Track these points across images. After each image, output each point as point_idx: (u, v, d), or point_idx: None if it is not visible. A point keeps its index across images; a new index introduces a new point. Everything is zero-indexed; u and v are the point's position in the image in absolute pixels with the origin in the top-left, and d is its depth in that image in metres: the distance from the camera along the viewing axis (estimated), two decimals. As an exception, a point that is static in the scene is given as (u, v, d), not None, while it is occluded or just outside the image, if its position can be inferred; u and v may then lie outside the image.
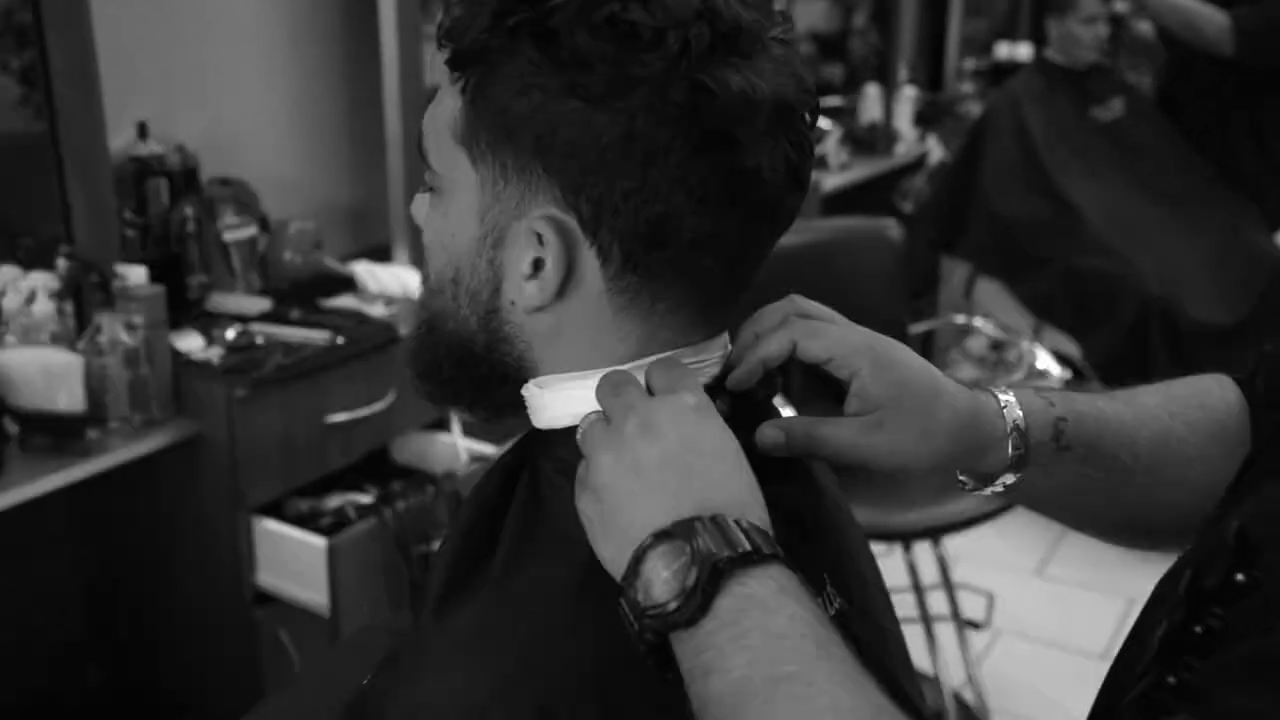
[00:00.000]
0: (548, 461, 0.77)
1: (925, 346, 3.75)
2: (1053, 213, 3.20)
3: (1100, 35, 3.36)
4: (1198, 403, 0.87)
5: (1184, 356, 2.99)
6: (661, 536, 0.63)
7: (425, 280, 0.81)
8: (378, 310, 2.08)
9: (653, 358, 0.75)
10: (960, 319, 3.19)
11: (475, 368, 0.78)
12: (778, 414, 0.84)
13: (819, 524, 0.81)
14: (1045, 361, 2.65)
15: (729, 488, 0.66)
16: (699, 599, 0.61)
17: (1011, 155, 3.29)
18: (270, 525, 1.88)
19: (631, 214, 0.69)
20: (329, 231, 2.28)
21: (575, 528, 0.70)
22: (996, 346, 3.67)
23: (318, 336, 1.93)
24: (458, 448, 2.13)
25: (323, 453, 1.94)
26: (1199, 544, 0.73)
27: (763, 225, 0.73)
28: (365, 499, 1.97)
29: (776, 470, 0.79)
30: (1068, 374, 2.75)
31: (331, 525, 1.90)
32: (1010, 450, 0.80)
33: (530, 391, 0.78)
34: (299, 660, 1.87)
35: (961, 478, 0.83)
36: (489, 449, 2.14)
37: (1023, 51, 4.72)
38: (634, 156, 0.67)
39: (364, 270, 2.16)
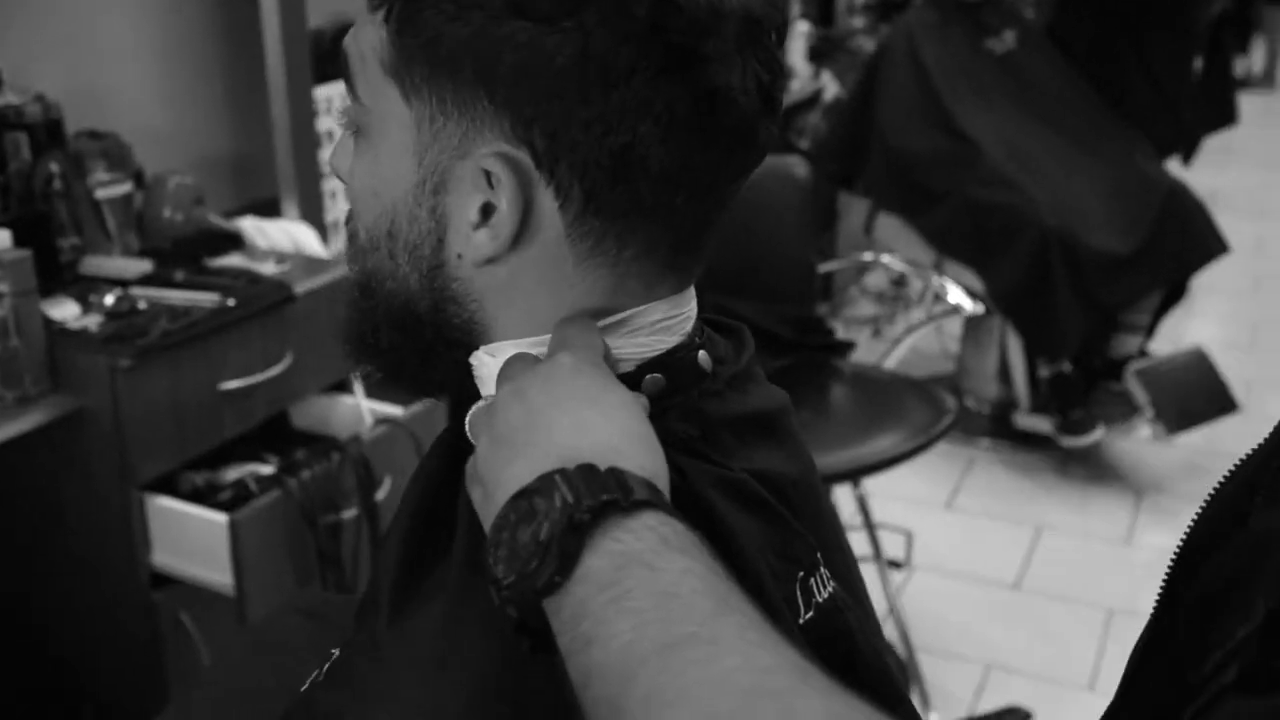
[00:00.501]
0: None
1: (826, 285, 3.73)
2: (950, 146, 3.18)
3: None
4: None
5: (1084, 286, 3.01)
6: (520, 498, 0.57)
7: (354, 237, 0.72)
8: (269, 268, 1.95)
9: (624, 313, 0.68)
10: (867, 256, 3.16)
11: (419, 334, 0.70)
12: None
13: (809, 496, 0.75)
14: (956, 295, 2.63)
15: (597, 434, 0.59)
16: (555, 558, 0.54)
17: (907, 90, 3.25)
18: (164, 503, 1.75)
19: (592, 146, 0.61)
20: (211, 186, 2.13)
21: None
22: (898, 282, 3.67)
23: (205, 299, 1.80)
24: (361, 410, 2.02)
25: (217, 422, 1.82)
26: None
27: (736, 154, 0.66)
28: (267, 469, 1.85)
29: (762, 436, 0.73)
30: (979, 307, 2.74)
31: (232, 499, 1.79)
32: None
33: (480, 360, 0.70)
34: (204, 644, 1.76)
35: None
36: (394, 410, 2.04)
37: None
38: (592, 80, 0.60)
39: (251, 226, 2.03)
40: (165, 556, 1.77)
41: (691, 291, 0.72)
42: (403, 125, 0.65)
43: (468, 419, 0.66)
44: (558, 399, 0.60)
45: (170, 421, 1.75)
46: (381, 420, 1.99)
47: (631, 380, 0.67)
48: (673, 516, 0.56)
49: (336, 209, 2.24)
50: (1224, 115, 5.26)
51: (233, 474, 1.85)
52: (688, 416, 0.68)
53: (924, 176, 3.20)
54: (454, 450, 0.72)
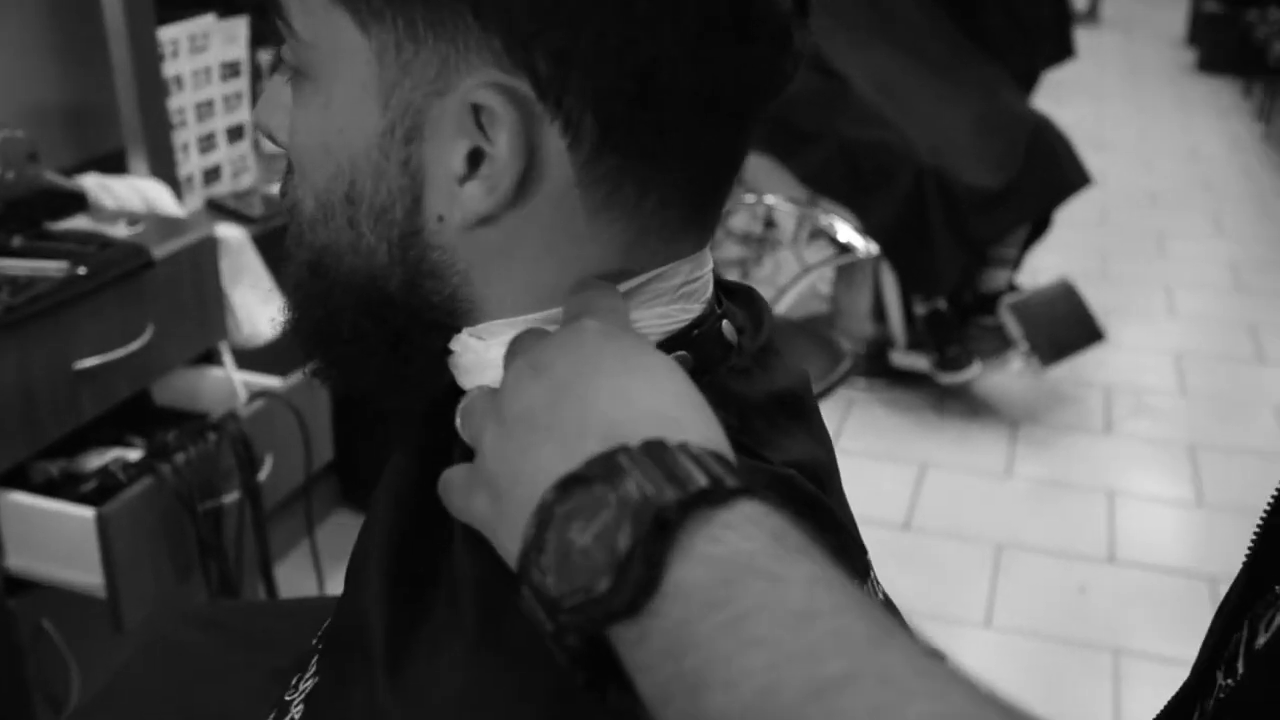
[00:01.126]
0: None
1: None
2: (822, 85, 3.13)
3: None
4: None
5: (959, 222, 3.00)
6: (569, 485, 0.43)
7: (297, 209, 0.58)
8: (120, 231, 1.75)
9: (644, 276, 0.56)
10: (749, 198, 3.09)
11: (390, 317, 0.57)
12: None
13: (837, 484, 0.66)
14: (846, 234, 2.58)
15: (646, 401, 0.46)
16: (641, 569, 0.40)
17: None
18: (17, 498, 1.56)
19: (609, 65, 0.49)
20: (45, 139, 1.90)
21: None
22: (769, 224, 3.61)
23: (52, 267, 1.60)
24: (234, 383, 1.85)
25: (73, 404, 1.63)
26: None
27: (774, 65, 0.54)
28: (134, 454, 1.67)
29: (792, 418, 0.63)
30: (872, 246, 2.70)
31: (97, 490, 1.61)
32: None
33: (464, 344, 0.57)
34: (73, 656, 1.59)
35: None
36: (271, 381, 1.87)
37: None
38: None
39: (96, 184, 1.82)
40: (21, 558, 1.58)
41: (709, 249, 0.61)
42: (360, 60, 0.52)
43: (459, 409, 0.53)
44: (587, 367, 0.47)
45: (19, 406, 1.55)
46: (258, 393, 1.82)
47: None
48: (776, 506, 0.42)
49: (190, 163, 2.04)
50: (1062, 49, 5.37)
51: (94, 461, 1.67)
52: (723, 402, 0.55)
53: (795, 116, 3.14)
54: (433, 452, 0.60)
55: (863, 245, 2.59)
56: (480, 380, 0.57)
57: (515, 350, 0.52)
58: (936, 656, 0.40)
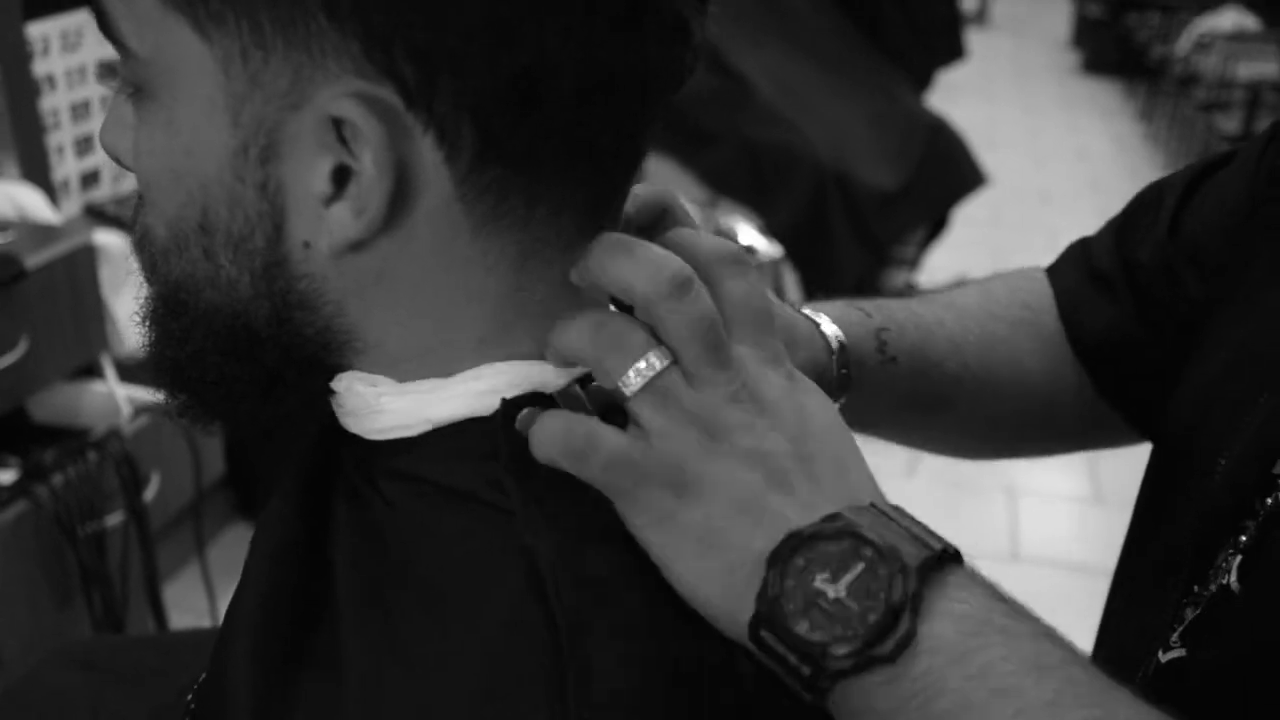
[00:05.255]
0: (389, 481, 0.51)
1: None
2: (722, 85, 3.11)
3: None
4: (1020, 301, 0.81)
5: (859, 221, 3.01)
6: (810, 539, 0.46)
7: (147, 239, 0.51)
8: (-10, 239, 1.66)
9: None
10: (649, 200, 3.07)
11: (261, 357, 0.51)
12: None
13: None
14: (749, 236, 2.57)
15: (863, 470, 0.51)
16: (909, 621, 0.44)
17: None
18: (-120, 525, 1.46)
19: (483, 66, 0.43)
20: (-95, 142, 1.80)
21: (456, 579, 0.47)
22: (671, 225, 3.59)
23: (-86, 278, 1.51)
24: (116, 398, 1.76)
25: (-60, 425, 1.53)
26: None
27: (669, 60, 0.48)
28: (7, 476, 1.58)
29: None
30: (777, 247, 2.69)
31: (-33, 516, 1.51)
32: (836, 369, 0.69)
33: (349, 389, 0.52)
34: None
35: None
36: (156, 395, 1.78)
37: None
38: None
39: (-37, 189, 1.72)
40: (-114, 590, 1.48)
41: None
42: (203, 72, 0.46)
43: (629, 381, 0.48)
44: (814, 425, 0.50)
45: (-120, 428, 1.46)
46: (142, 408, 1.74)
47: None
48: (975, 570, 0.48)
49: (65, 166, 1.94)
50: (953, 49, 5.46)
51: (-35, 484, 1.57)
52: None
53: (696, 117, 3.12)
54: (314, 504, 0.54)
55: (766, 246, 2.59)
56: (374, 424, 0.52)
57: (711, 338, 0.48)
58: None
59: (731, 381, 0.48)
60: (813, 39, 3.34)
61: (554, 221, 0.49)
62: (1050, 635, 0.46)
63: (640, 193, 0.59)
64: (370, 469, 0.52)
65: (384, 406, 0.51)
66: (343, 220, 0.46)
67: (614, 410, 0.50)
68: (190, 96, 0.46)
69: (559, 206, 0.48)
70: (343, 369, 0.52)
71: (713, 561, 0.47)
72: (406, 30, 0.43)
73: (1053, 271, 0.83)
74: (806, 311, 0.71)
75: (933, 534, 0.47)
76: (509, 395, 0.50)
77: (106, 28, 0.48)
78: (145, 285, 0.53)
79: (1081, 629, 0.72)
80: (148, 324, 0.53)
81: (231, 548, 2.31)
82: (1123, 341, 0.78)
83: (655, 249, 0.49)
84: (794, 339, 0.67)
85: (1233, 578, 0.57)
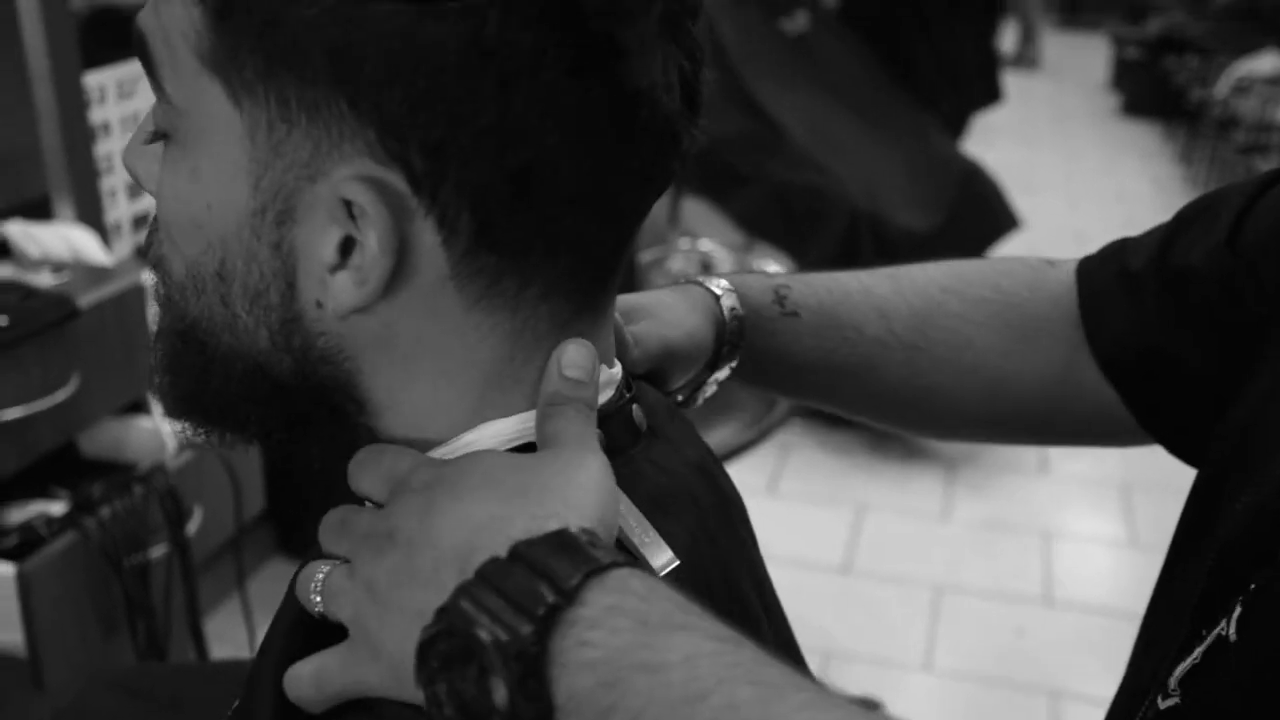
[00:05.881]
0: None
1: (629, 272, 3.66)
2: (755, 128, 3.16)
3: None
4: (991, 283, 0.79)
5: (893, 264, 3.03)
6: (435, 640, 0.45)
7: (165, 268, 0.55)
8: (44, 280, 1.72)
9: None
10: (684, 243, 3.11)
11: (286, 403, 0.54)
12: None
13: (728, 506, 0.66)
14: (779, 281, 2.60)
15: (479, 512, 0.48)
16: (528, 709, 0.43)
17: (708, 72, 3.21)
18: (-65, 555, 1.52)
19: (486, 163, 0.47)
20: (-34, 186, 1.87)
21: None
22: (707, 266, 3.63)
23: (-28, 317, 1.57)
24: (162, 434, 1.81)
25: (-6, 458, 1.59)
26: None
27: (658, 165, 0.53)
28: (58, 508, 1.63)
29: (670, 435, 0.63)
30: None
31: (19, 546, 1.56)
32: (728, 319, 0.72)
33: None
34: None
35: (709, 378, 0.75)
36: (201, 431, 1.83)
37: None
38: (486, 78, 0.46)
39: (19, 232, 1.78)
40: (-61, 618, 1.53)
41: (610, 323, 0.60)
42: (231, 135, 0.50)
43: (319, 590, 0.53)
44: (424, 512, 0.50)
45: (-63, 461, 1.51)
46: (186, 444, 1.79)
47: None
48: (633, 572, 0.45)
49: (117, 209, 2.01)
50: (990, 93, 5.49)
51: (16, 515, 1.62)
52: (633, 487, 0.56)
53: (729, 159, 3.17)
54: None
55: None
56: None
57: (349, 524, 0.52)
58: (839, 699, 0.43)
59: (365, 540, 0.51)
60: (846, 83, 3.38)
61: (544, 303, 0.53)
62: (706, 652, 0.43)
63: None
64: None
65: None
66: (345, 288, 0.50)
67: (614, 454, 0.55)
68: (217, 155, 0.50)
69: (549, 290, 0.53)
70: (368, 421, 0.56)
71: (377, 674, 0.49)
72: (421, 125, 0.47)
73: (1084, 263, 0.81)
74: (701, 280, 0.74)
75: (554, 577, 0.44)
76: (511, 447, 0.54)
77: (150, 70, 0.52)
78: (161, 311, 0.57)
79: (1114, 674, 0.72)
80: (161, 353, 0.57)
81: (271, 582, 2.35)
82: (1147, 349, 0.75)
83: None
84: (680, 309, 0.71)
85: (1231, 627, 0.55)
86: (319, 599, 0.51)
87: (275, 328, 0.52)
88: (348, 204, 0.49)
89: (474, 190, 0.48)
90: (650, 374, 0.70)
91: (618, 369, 0.60)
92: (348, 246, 0.50)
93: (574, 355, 0.54)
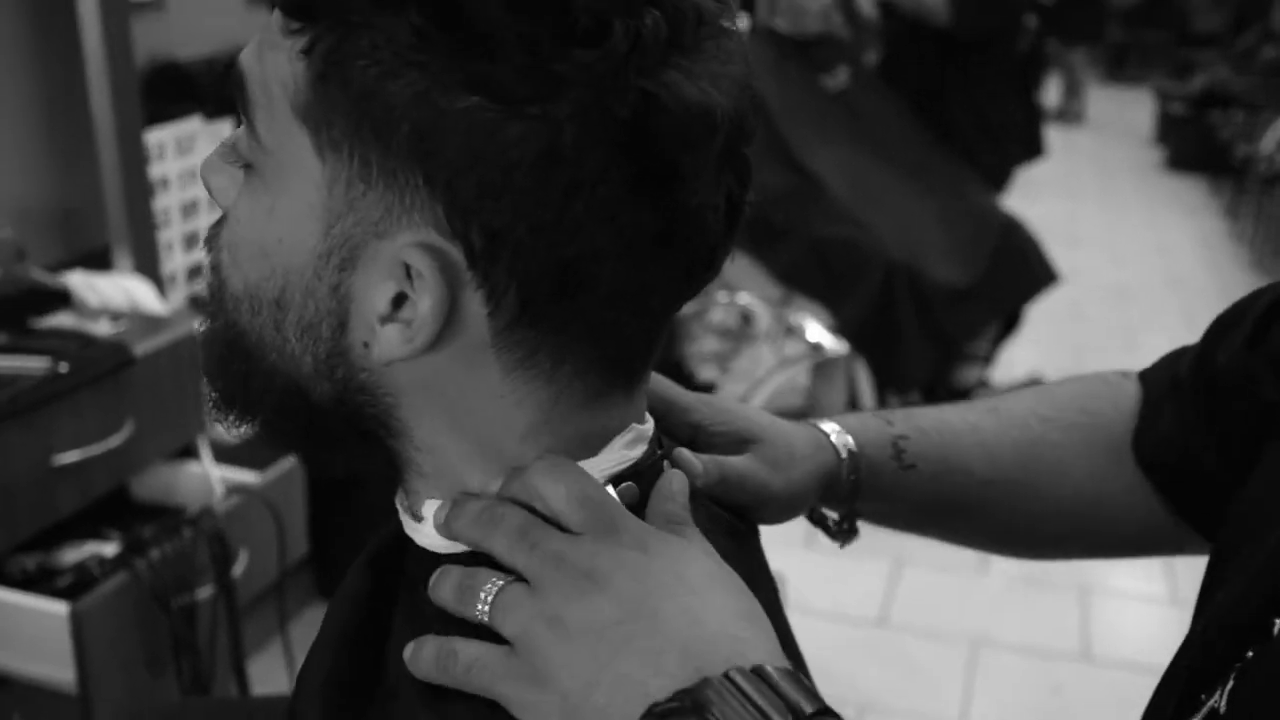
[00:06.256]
0: (427, 590, 0.58)
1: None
2: (794, 182, 3.21)
3: (824, 3, 3.39)
4: (1079, 406, 0.83)
5: (929, 318, 3.06)
6: (666, 715, 0.49)
7: (221, 275, 0.59)
8: (102, 328, 1.79)
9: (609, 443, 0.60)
10: (722, 296, 3.15)
11: (319, 423, 0.59)
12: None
13: (751, 556, 0.69)
14: (816, 333, 2.63)
15: (719, 621, 0.52)
16: None
17: (750, 127, 3.27)
18: (-7, 593, 1.58)
19: (539, 254, 0.51)
20: (33, 238, 1.95)
21: None
22: (746, 318, 3.67)
23: (34, 365, 1.63)
24: (210, 479, 1.87)
25: (51, 499, 1.65)
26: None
27: (694, 276, 0.57)
28: (110, 549, 1.69)
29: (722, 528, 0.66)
30: (843, 345, 2.75)
31: (72, 585, 1.62)
32: (845, 475, 0.76)
33: (423, 516, 0.60)
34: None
35: (829, 514, 0.79)
36: (248, 477, 1.89)
37: (739, 22, 4.75)
38: (553, 182, 0.50)
39: (81, 282, 1.86)
40: (-6, 653, 1.59)
41: (644, 390, 0.64)
42: (311, 182, 0.54)
43: (483, 604, 0.55)
44: (651, 583, 0.53)
45: (-2, 502, 1.57)
46: (234, 489, 1.84)
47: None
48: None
49: (173, 260, 2.08)
50: (1032, 148, 5.50)
51: (71, 555, 1.68)
52: None
53: (768, 213, 3.21)
54: (383, 587, 0.62)
55: (832, 343, 2.65)
56: (432, 542, 0.60)
57: (519, 540, 0.55)
58: None
59: (560, 569, 0.53)
60: (884, 138, 3.42)
61: (578, 379, 0.57)
62: None
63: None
64: (430, 564, 0.59)
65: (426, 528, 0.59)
66: (392, 339, 0.54)
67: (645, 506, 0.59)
68: (295, 196, 0.55)
69: (583, 369, 0.57)
70: (403, 458, 0.60)
71: None
72: (487, 213, 0.51)
73: (1143, 376, 0.84)
74: (820, 424, 0.77)
75: (790, 697, 0.49)
76: None
77: (245, 107, 0.56)
78: (210, 312, 0.61)
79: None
80: (211, 357, 0.61)
81: (312, 626, 2.38)
82: (1185, 447, 0.78)
83: (472, 503, 0.57)
84: (793, 453, 0.73)
85: (1224, 700, 0.56)
86: (486, 609, 0.54)
87: (321, 358, 0.57)
88: (407, 265, 0.53)
89: (523, 275, 0.52)
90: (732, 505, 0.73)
91: (649, 424, 0.64)
92: (399, 300, 0.54)
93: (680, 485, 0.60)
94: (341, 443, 0.61)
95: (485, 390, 0.56)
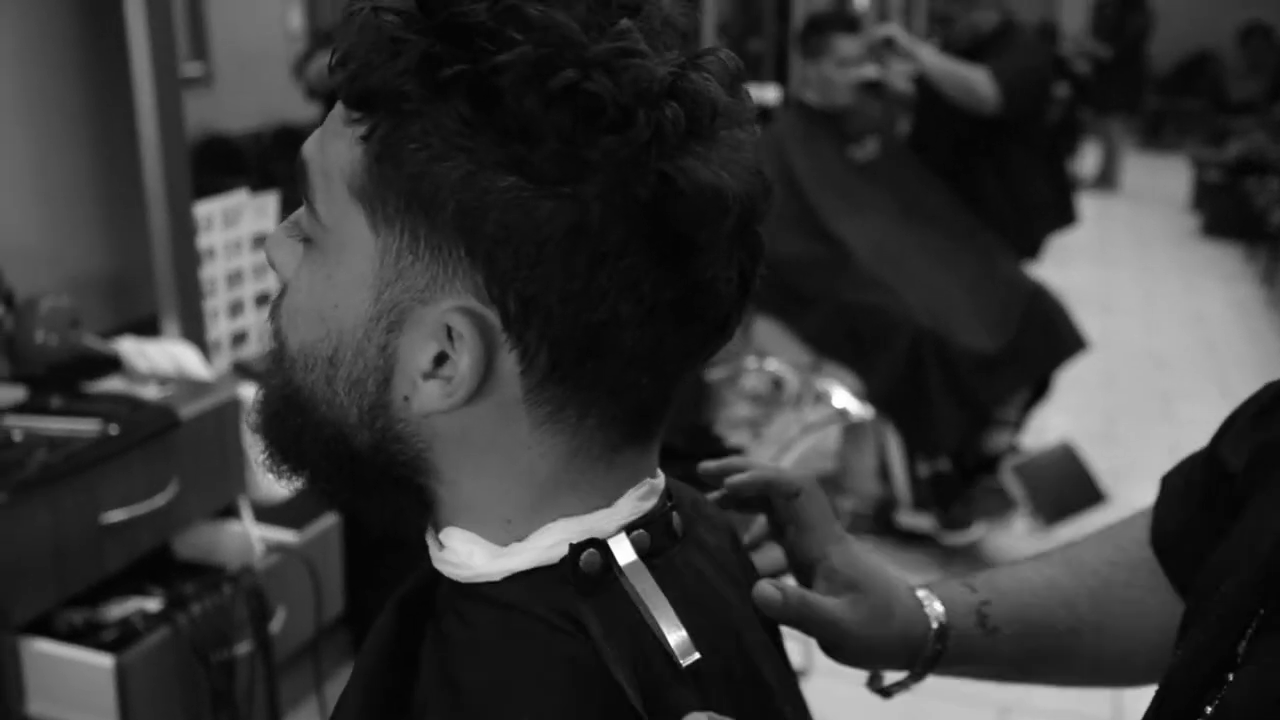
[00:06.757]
0: (474, 604, 0.64)
1: (703, 390, 3.75)
2: (823, 251, 3.27)
3: (853, 79, 3.47)
4: (1140, 539, 0.87)
5: (957, 384, 3.09)
6: None
7: (281, 341, 0.66)
8: (150, 392, 1.87)
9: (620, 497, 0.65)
10: (750, 362, 3.20)
11: (355, 469, 0.65)
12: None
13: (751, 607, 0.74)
14: (841, 399, 2.67)
15: None
16: None
17: (779, 196, 3.33)
18: (42, 646, 1.64)
19: (568, 319, 0.57)
20: (87, 305, 2.04)
21: (516, 687, 0.59)
22: (776, 384, 3.71)
23: (86, 427, 1.71)
24: (250, 538, 1.93)
25: (98, 556, 1.71)
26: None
27: (709, 341, 0.63)
28: (153, 605, 1.75)
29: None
30: (868, 410, 2.78)
31: (117, 639, 1.68)
32: (931, 644, 0.80)
33: (453, 549, 0.66)
34: (87, 800, 1.64)
35: (895, 677, 0.83)
36: (287, 536, 1.95)
37: (770, 95, 4.84)
38: (580, 254, 0.56)
39: (131, 348, 1.94)
40: (42, 704, 1.65)
41: (657, 445, 0.69)
42: (364, 254, 0.60)
43: None
44: None
45: (48, 558, 1.64)
46: (274, 548, 1.91)
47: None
48: None
49: (218, 327, 2.17)
50: (1064, 216, 5.54)
51: (116, 611, 1.74)
52: (667, 583, 0.65)
53: (798, 281, 3.28)
54: (412, 621, 0.68)
55: (857, 409, 2.69)
56: (460, 574, 0.65)
57: None
58: None
59: None
60: (912, 206, 3.48)
61: (599, 433, 0.63)
62: None
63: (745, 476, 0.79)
64: (457, 595, 0.65)
65: (475, 563, 0.65)
66: (432, 395, 0.60)
67: (655, 554, 0.64)
68: (350, 267, 0.61)
69: (605, 422, 0.62)
70: (430, 493, 0.66)
71: None
72: (521, 282, 0.57)
73: (1163, 477, 0.87)
74: (919, 592, 0.82)
75: None
76: (574, 541, 0.63)
77: (305, 190, 0.63)
78: (268, 373, 0.67)
79: None
80: (268, 413, 0.67)
81: (348, 684, 2.43)
82: (1192, 537, 0.81)
83: None
84: (890, 611, 0.79)
85: None
86: None
87: (365, 409, 0.63)
88: (449, 327, 0.59)
89: (553, 338, 0.58)
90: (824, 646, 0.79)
91: (660, 479, 0.69)
92: (440, 359, 0.60)
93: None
94: (376, 488, 0.66)
95: (514, 441, 0.62)
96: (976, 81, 3.46)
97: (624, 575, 0.63)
